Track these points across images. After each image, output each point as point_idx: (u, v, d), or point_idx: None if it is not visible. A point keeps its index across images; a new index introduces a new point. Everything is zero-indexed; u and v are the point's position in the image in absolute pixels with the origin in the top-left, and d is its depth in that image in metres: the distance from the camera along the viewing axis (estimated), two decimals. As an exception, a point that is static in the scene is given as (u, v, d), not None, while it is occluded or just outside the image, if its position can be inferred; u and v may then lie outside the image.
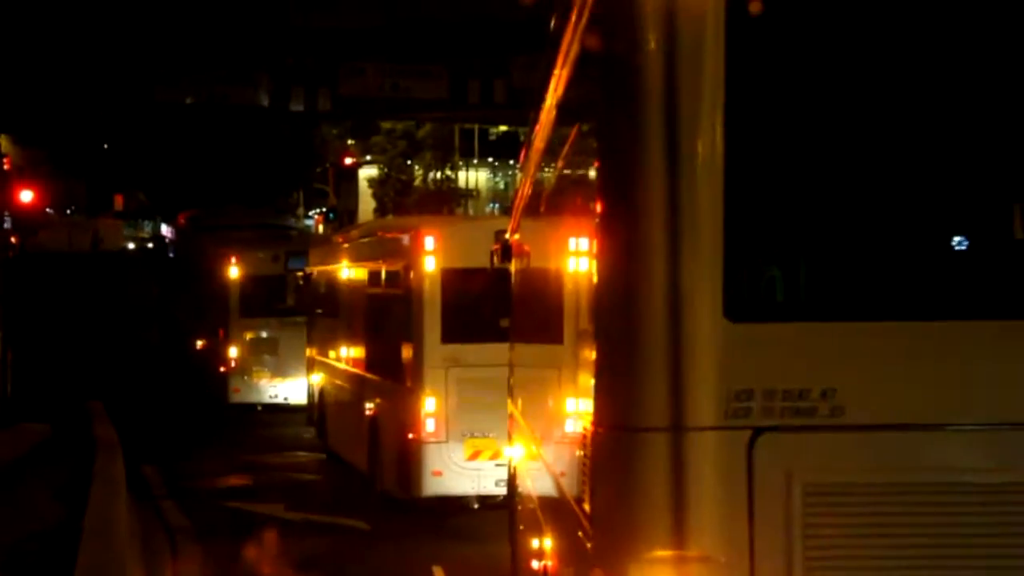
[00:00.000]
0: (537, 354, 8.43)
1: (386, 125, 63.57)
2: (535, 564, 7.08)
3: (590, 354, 4.43)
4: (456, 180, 64.77)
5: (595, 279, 4.26)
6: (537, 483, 7.42)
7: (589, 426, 4.38)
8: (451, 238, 14.88)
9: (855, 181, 3.89)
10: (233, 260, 28.27)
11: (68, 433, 20.08)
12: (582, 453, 4.76)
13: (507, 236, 10.95)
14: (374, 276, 17.27)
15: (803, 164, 3.93)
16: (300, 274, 24.40)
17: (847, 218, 3.91)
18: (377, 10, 46.34)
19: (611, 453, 4.11)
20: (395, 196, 64.84)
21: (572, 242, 5.70)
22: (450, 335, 14.55)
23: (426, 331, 14.59)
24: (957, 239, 3.97)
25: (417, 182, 65.66)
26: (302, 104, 50.31)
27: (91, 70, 46.00)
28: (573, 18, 4.91)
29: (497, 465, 13.30)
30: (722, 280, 3.91)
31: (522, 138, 55.51)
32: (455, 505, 14.87)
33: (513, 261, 10.38)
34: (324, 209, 66.93)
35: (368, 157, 66.81)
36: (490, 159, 65.91)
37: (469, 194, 64.41)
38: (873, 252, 3.88)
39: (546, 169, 7.27)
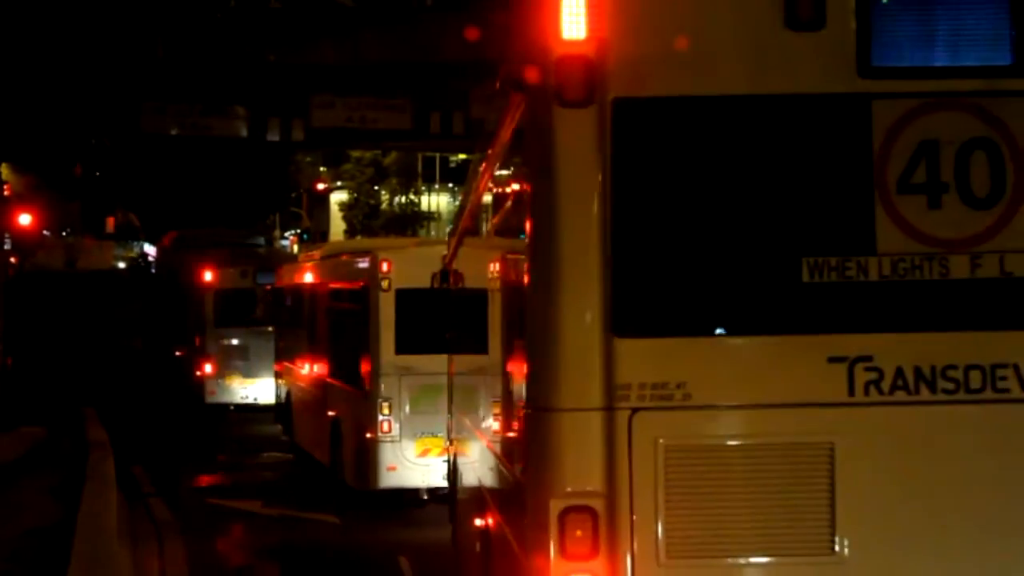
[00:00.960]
0: (468, 362, 10.00)
1: (355, 154, 63.97)
2: (478, 522, 8.22)
3: (519, 359, 5.67)
4: (420, 204, 64.80)
5: (528, 310, 5.35)
6: (475, 460, 8.96)
7: (522, 407, 5.46)
8: (403, 262, 15.38)
9: (691, 251, 5.13)
10: (207, 275, 29.08)
11: (63, 436, 19.61)
12: (517, 426, 5.92)
13: (444, 262, 12.07)
14: (336, 293, 17.76)
15: (659, 240, 5.13)
16: (269, 287, 24.91)
17: (686, 274, 5.14)
18: (346, 50, 46.05)
19: (536, 425, 5.21)
20: (364, 219, 65.14)
21: (492, 267, 7.59)
22: (403, 347, 15.09)
23: (382, 343, 15.20)
24: (757, 285, 5.17)
25: (384, 206, 65.93)
26: (278, 134, 49.85)
27: (84, 103, 45.35)
28: (507, 122, 6.33)
29: (444, 461, 13.69)
30: (611, 310, 5.05)
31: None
32: (407, 496, 15.35)
33: (450, 283, 11.51)
34: (299, 231, 67.05)
35: (339, 183, 67.20)
36: (450, 184, 65.79)
37: (431, 216, 64.55)
38: (704, 295, 5.14)
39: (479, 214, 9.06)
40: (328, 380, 17.83)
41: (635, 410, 5.03)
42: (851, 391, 5.04)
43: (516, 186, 6.55)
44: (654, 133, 5.09)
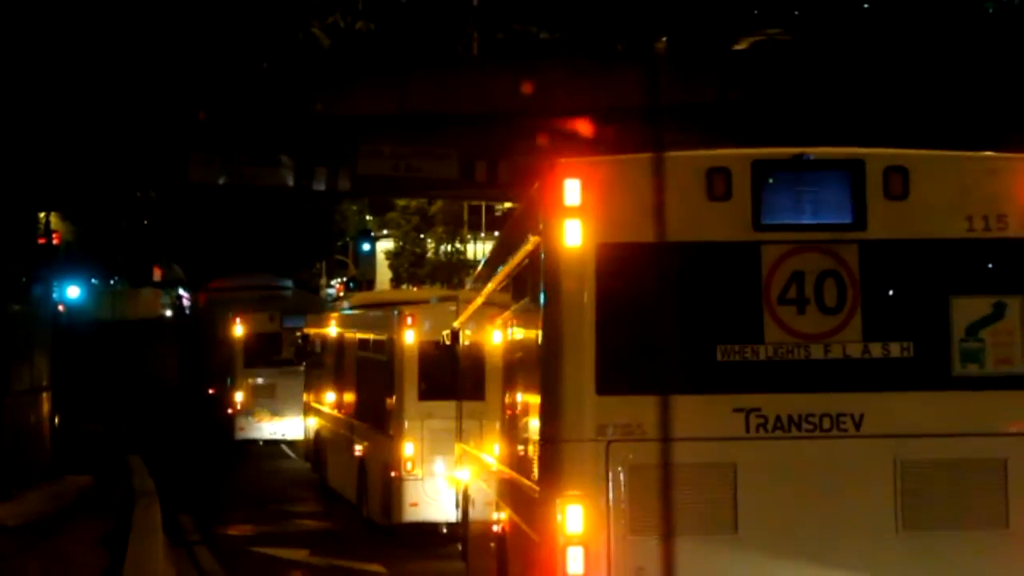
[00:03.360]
0: (469, 408, 13.49)
1: (401, 202, 64.54)
2: (495, 527, 10.71)
3: (533, 399, 8.40)
4: (465, 252, 65.19)
5: (543, 377, 8.00)
6: (488, 483, 11.77)
7: (536, 439, 8.20)
8: (426, 317, 17.32)
9: (644, 340, 7.31)
10: (237, 320, 32.02)
11: (109, 484, 20.06)
12: (532, 455, 8.53)
13: (455, 325, 14.92)
14: (364, 343, 19.83)
15: (624, 333, 7.69)
16: (299, 334, 26.99)
17: (642, 356, 7.42)
18: (393, 99, 46.53)
19: (547, 452, 7.93)
20: (409, 267, 65.49)
21: (495, 334, 11.19)
22: (425, 394, 17.04)
23: (406, 390, 17.12)
24: (688, 362, 7.73)
25: (429, 254, 66.43)
26: (324, 183, 50.40)
27: (131, 153, 46.18)
28: (522, 250, 9.03)
29: (452, 489, 15.67)
30: (595, 378, 7.72)
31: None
32: (427, 529, 17.06)
33: (459, 342, 14.69)
34: (345, 279, 67.49)
35: (384, 231, 67.67)
36: (496, 232, 66.24)
37: (476, 264, 64.77)
38: (653, 369, 7.14)
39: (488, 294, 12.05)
40: (355, 421, 19.83)
41: (611, 441, 7.67)
42: (747, 430, 7.71)
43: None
44: (622, 264, 7.70)
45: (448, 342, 14.95)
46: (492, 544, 10.98)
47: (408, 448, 16.94)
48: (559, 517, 7.60)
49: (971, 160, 8.15)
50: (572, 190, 7.72)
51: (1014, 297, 7.78)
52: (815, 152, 7.92)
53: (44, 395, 22.30)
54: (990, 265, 7.84)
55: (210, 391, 35.51)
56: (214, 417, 33.52)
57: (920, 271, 7.86)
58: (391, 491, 17.20)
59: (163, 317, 63.26)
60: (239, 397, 31.32)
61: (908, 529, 7.64)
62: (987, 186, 7.89)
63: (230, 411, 31.59)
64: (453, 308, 16.36)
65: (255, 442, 30.67)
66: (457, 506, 14.96)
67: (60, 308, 55.70)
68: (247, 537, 17.88)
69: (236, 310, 32.97)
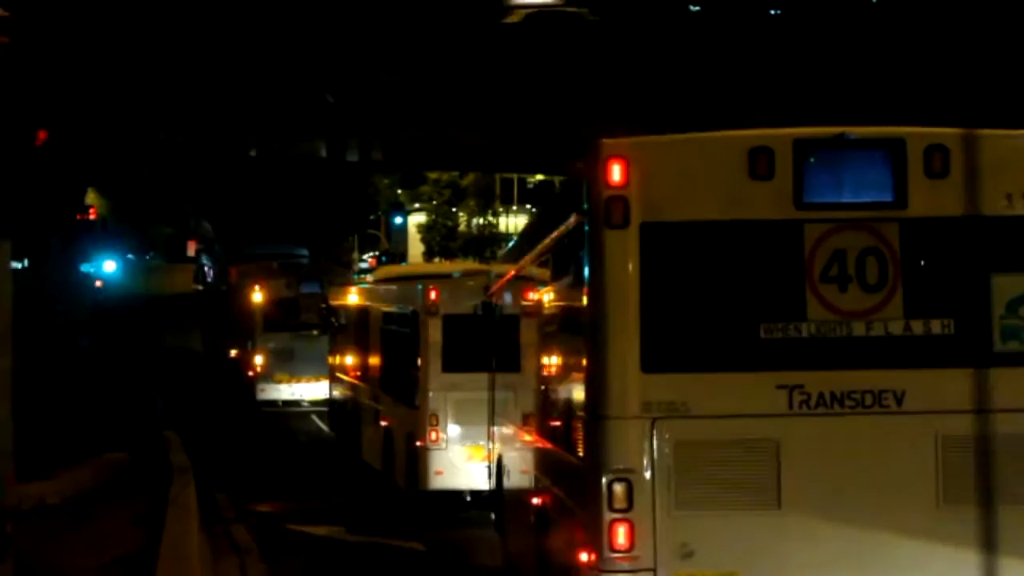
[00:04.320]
0: (502, 380, 13.90)
1: (433, 175, 64.65)
2: (534, 499, 11.11)
3: (578, 376, 8.68)
4: (497, 225, 65.27)
5: (589, 356, 8.20)
6: (527, 456, 11.97)
7: (582, 415, 8.45)
8: (450, 291, 18.00)
9: (689, 319, 8.01)
10: (256, 287, 34.06)
11: (146, 461, 20.24)
12: (577, 432, 8.76)
13: (487, 295, 15.52)
14: (389, 316, 20.51)
15: (670, 312, 7.99)
16: (323, 305, 27.94)
17: (687, 334, 8.00)
18: (420, 70, 46.49)
19: (593, 428, 8.12)
20: (441, 241, 65.70)
21: (533, 309, 11.55)
22: (449, 366, 17.64)
23: (431, 363, 17.78)
24: (732, 341, 8.02)
25: (462, 227, 66.67)
26: (357, 155, 50.49)
27: (164, 125, 46.44)
28: (564, 229, 9.41)
29: (487, 466, 16.17)
30: (640, 355, 7.93)
31: (557, 186, 55.72)
32: (452, 497, 17.81)
33: (492, 313, 15.05)
34: (377, 252, 67.72)
35: (417, 205, 67.90)
36: (528, 206, 66.22)
37: (509, 238, 64.87)
38: (698, 347, 7.99)
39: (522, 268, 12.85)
40: (381, 393, 20.61)
41: (655, 419, 7.90)
42: (790, 407, 7.93)
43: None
44: (666, 244, 7.99)
45: (481, 313, 15.43)
46: (531, 517, 11.24)
47: (433, 419, 17.65)
48: (605, 493, 7.84)
49: (1010, 138, 8.33)
50: (617, 170, 7.92)
51: None
52: (856, 131, 8.11)
53: (80, 371, 22.58)
54: None
55: (232, 355, 37.53)
56: (236, 380, 35.21)
57: (960, 249, 8.06)
58: (416, 460, 17.90)
59: (197, 292, 63.93)
60: (259, 360, 33.21)
61: (950, 504, 7.87)
62: None
63: (251, 374, 33.53)
64: (473, 283, 17.66)
65: (275, 403, 32.55)
66: (490, 476, 15.33)
67: (98, 283, 57.30)
68: (282, 514, 17.97)
69: (255, 277, 35.00)
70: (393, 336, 20.06)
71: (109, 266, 59.23)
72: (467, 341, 16.80)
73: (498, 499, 14.79)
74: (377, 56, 45.67)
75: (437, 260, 62.20)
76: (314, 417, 31.00)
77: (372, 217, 69.30)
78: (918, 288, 7.93)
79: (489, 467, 15.50)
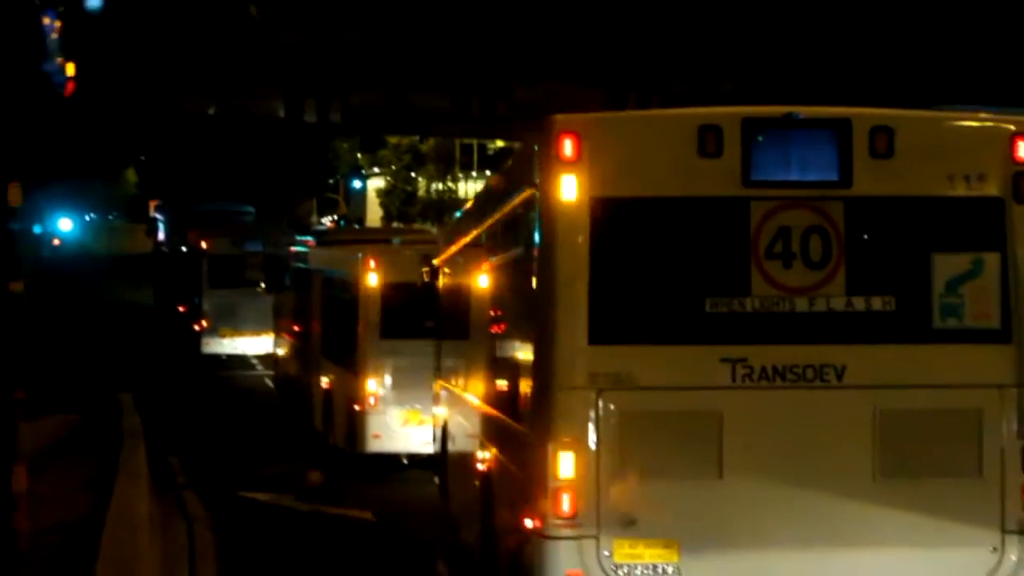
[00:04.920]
0: (451, 347, 14.15)
1: (392, 140, 64.73)
2: (479, 465, 11.30)
3: (526, 346, 8.91)
4: (456, 191, 65.38)
5: (538, 328, 8.42)
6: (472, 423, 12.23)
7: (530, 384, 8.66)
8: (388, 259, 18.92)
9: (636, 292, 8.27)
10: (202, 243, 36.12)
11: (98, 424, 20.27)
12: (524, 401, 8.99)
13: (434, 262, 15.79)
14: (331, 281, 21.47)
15: (618, 285, 8.24)
16: (270, 262, 30.46)
17: (634, 307, 8.27)
18: (384, 31, 46.25)
19: (540, 398, 8.38)
20: (400, 205, 65.78)
21: (479, 279, 11.81)
22: (387, 332, 18.49)
23: (369, 328, 18.62)
24: (678, 314, 8.28)
25: (421, 192, 66.70)
26: (315, 116, 50.24)
27: (128, 85, 46.35)
28: (516, 200, 9.45)
29: (422, 430, 17.46)
30: (587, 327, 8.16)
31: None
32: (390, 460, 18.64)
33: (438, 280, 15.55)
34: (336, 217, 67.76)
35: (376, 169, 67.99)
36: (488, 172, 66.26)
37: (467, 203, 64.95)
38: (645, 320, 8.28)
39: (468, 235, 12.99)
40: (323, 358, 21.45)
41: (601, 390, 8.16)
42: (733, 379, 8.21)
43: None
44: (615, 219, 8.25)
45: (427, 280, 15.93)
46: (476, 482, 11.53)
47: (371, 384, 18.51)
48: (551, 462, 8.12)
49: (954, 120, 8.64)
50: (568, 145, 8.15)
51: (992, 254, 8.29)
52: (804, 111, 8.40)
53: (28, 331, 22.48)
54: (970, 222, 8.34)
55: (180, 309, 39.49)
56: (183, 334, 37.34)
57: (903, 228, 8.36)
58: (355, 423, 18.73)
59: (153, 249, 64.16)
60: (204, 315, 35.19)
61: (886, 476, 8.20)
62: (968, 146, 8.40)
63: (197, 328, 35.59)
64: (411, 252, 18.66)
65: (219, 357, 34.76)
66: (435, 442, 15.71)
67: (56, 242, 58.01)
68: (233, 480, 18.13)
69: (201, 234, 37.09)
70: (334, 301, 20.86)
71: (64, 224, 59.47)
72: (406, 308, 17.69)
73: (442, 465, 15.15)
74: (338, 13, 45.36)
75: (395, 225, 62.43)
76: (260, 369, 32.71)
77: (331, 181, 69.34)
78: (861, 266, 8.21)
79: (434, 433, 15.88)
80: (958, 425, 8.21)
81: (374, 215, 68.83)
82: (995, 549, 8.13)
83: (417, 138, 63.81)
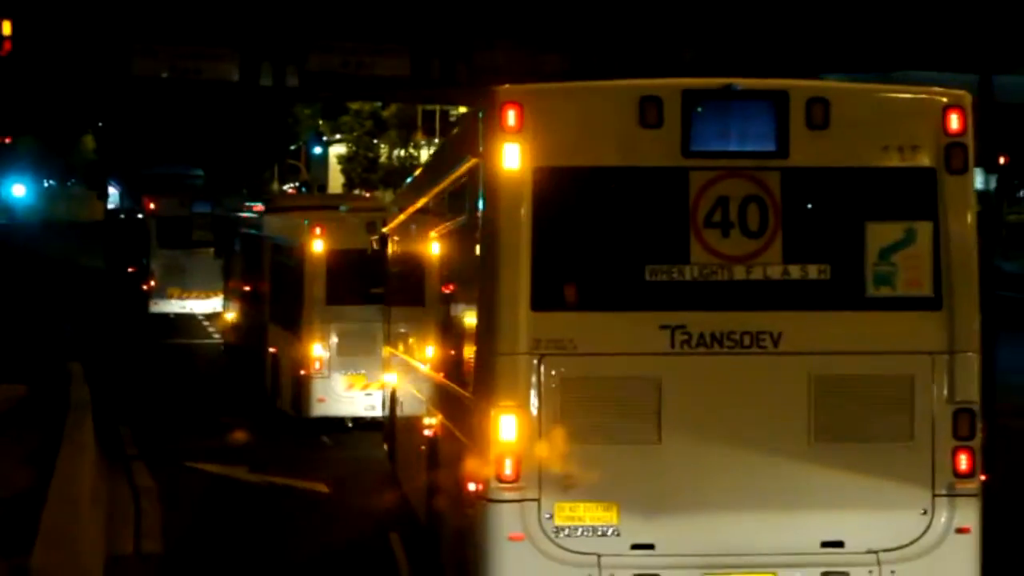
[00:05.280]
0: (399, 314, 14.66)
1: (354, 106, 65.28)
2: (426, 431, 11.91)
3: (470, 312, 9.36)
4: (419, 157, 65.77)
5: (481, 294, 8.82)
6: (419, 389, 12.88)
7: (474, 350, 9.04)
8: (333, 227, 19.88)
9: (578, 260, 8.71)
10: (151, 204, 38.72)
11: (45, 394, 20.22)
12: (468, 366, 9.41)
13: (384, 230, 16.41)
14: (278, 247, 22.59)
15: (560, 252, 8.67)
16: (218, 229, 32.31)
17: (575, 274, 8.67)
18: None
19: (483, 364, 8.80)
20: (362, 172, 66.11)
21: (427, 246, 12.32)
22: (332, 298, 19.55)
23: (315, 295, 19.69)
24: (618, 282, 8.70)
25: (383, 159, 67.10)
26: (271, 79, 50.18)
27: (77, 49, 46.35)
28: (461, 168, 9.91)
29: (366, 395, 19.06)
30: (530, 294, 8.57)
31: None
32: (334, 423, 19.72)
33: (387, 247, 16.09)
34: (298, 183, 68.03)
35: (337, 136, 68.30)
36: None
37: (430, 169, 65.22)
38: (586, 286, 8.67)
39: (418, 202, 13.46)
40: (269, 323, 22.54)
41: (543, 355, 8.57)
42: (672, 346, 8.62)
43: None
44: (558, 188, 8.65)
45: (376, 247, 16.58)
46: (423, 447, 12.09)
47: (316, 348, 19.62)
48: (493, 426, 8.56)
49: (888, 93, 9.12)
50: (512, 115, 8.55)
51: (924, 223, 8.73)
52: (742, 83, 8.83)
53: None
54: (903, 192, 8.80)
55: (129, 270, 41.92)
56: (132, 294, 39.68)
57: (838, 198, 8.84)
58: (300, 388, 19.83)
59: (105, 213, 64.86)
60: (153, 275, 37.29)
61: (820, 440, 8.66)
62: (902, 118, 8.84)
63: (145, 288, 37.73)
64: (357, 219, 19.60)
65: (167, 316, 36.99)
66: (384, 407, 16.42)
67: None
68: (185, 451, 18.40)
69: (150, 195, 39.69)
70: (281, 267, 21.92)
71: (18, 190, 60.41)
72: (351, 275, 18.82)
73: (391, 431, 15.75)
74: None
75: (357, 192, 62.72)
76: (210, 330, 34.25)
77: (293, 147, 69.58)
78: (797, 235, 8.64)
79: (383, 399, 16.52)
80: (891, 391, 8.67)
81: (336, 182, 69.19)
82: (925, 512, 8.61)
83: (379, 104, 64.16)
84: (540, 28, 43.75)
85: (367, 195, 47.68)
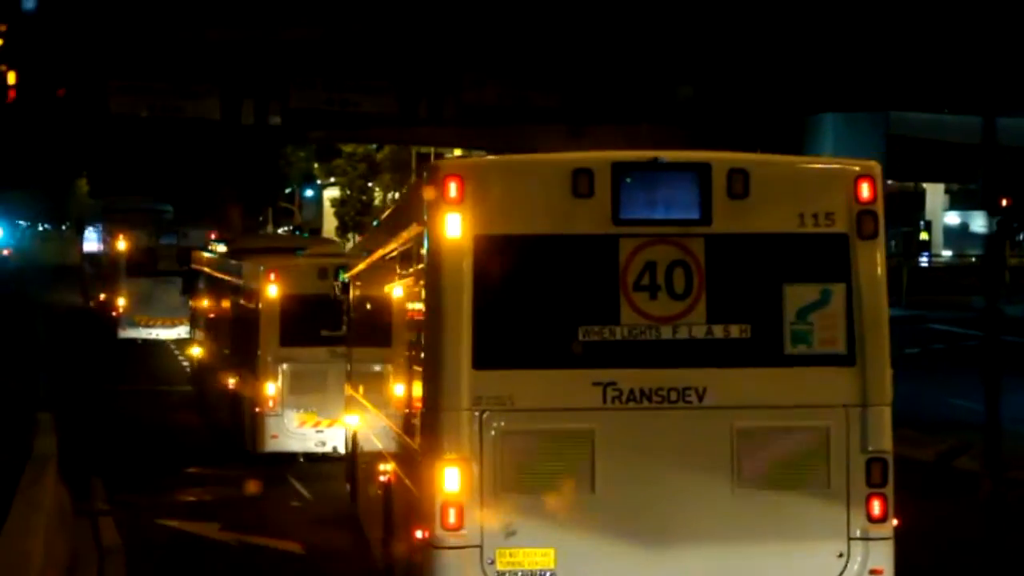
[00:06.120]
0: (371, 354, 15.82)
1: (347, 148, 67.56)
2: (381, 477, 13.48)
3: (417, 369, 10.74)
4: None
5: (426, 352, 10.20)
6: (376, 435, 14.56)
7: (419, 406, 10.45)
8: (287, 273, 22.56)
9: (515, 321, 10.06)
10: (120, 236, 44.77)
11: (6, 446, 19.75)
12: (415, 420, 10.82)
13: (345, 277, 18.84)
14: (236, 289, 25.59)
15: (498, 314, 9.99)
16: (185, 268, 36.02)
17: (513, 335, 10.05)
18: (321, 25, 47.50)
19: (429, 419, 10.13)
20: (355, 215, 67.95)
21: (382, 298, 14.10)
22: (286, 341, 22.25)
23: (269, 337, 22.41)
24: (553, 341, 10.05)
25: (376, 202, 68.91)
26: (252, 117, 51.67)
27: (55, 84, 48.90)
28: (408, 234, 11.53)
29: (317, 431, 21.82)
30: (471, 354, 9.90)
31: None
32: (286, 458, 22.15)
33: (350, 293, 18.34)
34: (291, 227, 70.12)
35: (332, 179, 70.42)
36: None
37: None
38: (523, 347, 10.05)
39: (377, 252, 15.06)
40: (229, 361, 25.56)
41: (484, 411, 9.91)
42: (604, 401, 9.98)
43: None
44: (497, 254, 10.00)
45: (339, 292, 18.86)
46: (379, 492, 13.65)
47: (269, 387, 22.18)
48: (438, 477, 9.90)
49: (804, 163, 10.71)
50: (453, 187, 9.92)
51: (838, 284, 10.16)
52: (668, 155, 10.28)
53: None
54: (818, 256, 10.21)
55: (101, 297, 47.89)
56: (102, 320, 45.60)
57: (758, 261, 10.25)
58: (255, 424, 22.45)
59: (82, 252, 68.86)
60: (121, 302, 42.87)
61: (743, 488, 10.02)
62: (817, 187, 10.28)
63: (114, 314, 43.52)
64: (307, 265, 22.49)
65: (134, 342, 42.07)
66: (347, 448, 18.63)
67: (5, 252, 66.43)
68: (156, 506, 18.96)
69: (120, 228, 45.54)
70: (240, 309, 24.86)
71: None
72: (304, 318, 21.82)
73: (352, 472, 17.70)
74: (280, 10, 46.79)
75: (351, 235, 64.55)
76: (179, 358, 37.92)
77: (287, 191, 71.74)
78: (720, 296, 10.03)
79: (346, 438, 18.59)
80: (808, 442, 10.05)
81: (330, 225, 71.24)
82: (841, 555, 9.99)
83: (373, 147, 66.22)
84: (530, 65, 45.13)
85: (333, 239, 50.87)
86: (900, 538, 10.11)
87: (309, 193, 74.54)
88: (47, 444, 18.67)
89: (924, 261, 64.49)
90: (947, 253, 78.31)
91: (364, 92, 47.00)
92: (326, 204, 76.67)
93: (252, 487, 20.17)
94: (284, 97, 49.33)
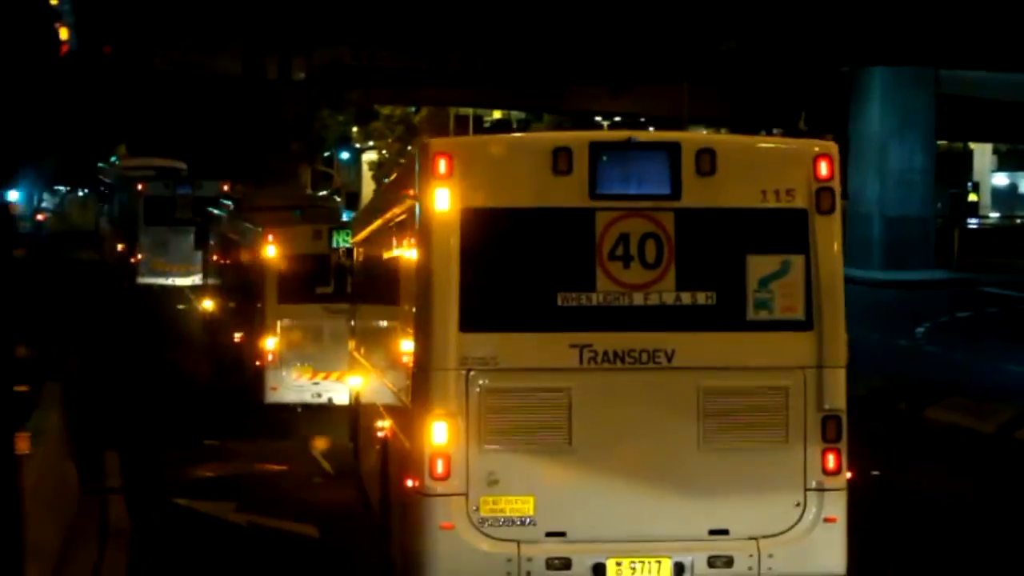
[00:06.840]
0: (382, 312, 17.51)
1: (385, 111, 69.56)
2: (379, 433, 15.18)
3: (409, 331, 12.39)
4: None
5: (417, 317, 11.88)
6: (377, 393, 16.36)
7: (411, 366, 12.15)
8: (285, 236, 25.60)
9: (499, 289, 11.68)
10: (139, 186, 49.83)
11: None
12: (408, 379, 12.47)
13: (351, 240, 21.56)
14: (241, 248, 29.59)
15: (483, 282, 11.58)
16: (199, 219, 40.35)
17: (497, 301, 11.67)
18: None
19: (419, 377, 11.79)
20: (393, 179, 70.01)
21: (381, 263, 15.92)
22: (284, 299, 25.34)
23: (268, 296, 25.51)
24: (534, 307, 11.70)
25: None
26: (276, 73, 53.36)
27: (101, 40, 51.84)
28: (403, 207, 13.21)
29: (313, 384, 25.18)
30: (458, 317, 11.53)
31: (514, 124, 60.26)
32: (285, 408, 25.22)
33: (354, 255, 20.73)
34: (330, 190, 72.93)
35: (370, 142, 72.81)
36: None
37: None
38: (506, 312, 11.68)
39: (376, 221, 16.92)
40: (236, 315, 29.48)
41: (470, 370, 11.49)
42: (581, 362, 11.54)
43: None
44: (482, 226, 11.53)
45: (343, 255, 21.51)
46: (377, 447, 15.43)
47: (270, 343, 25.40)
48: (428, 431, 11.54)
49: (767, 143, 12.37)
50: (443, 164, 11.52)
51: (798, 256, 11.78)
52: (641, 135, 12.04)
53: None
54: (779, 230, 11.78)
55: (119, 247, 54.33)
56: (121, 267, 52.07)
57: (723, 234, 11.83)
58: (256, 377, 25.73)
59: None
60: (139, 250, 48.67)
61: (708, 443, 11.64)
62: (778, 165, 11.90)
63: (132, 260, 49.83)
64: (304, 230, 25.54)
65: (150, 288, 47.63)
66: (351, 402, 20.88)
67: (40, 217, 72.23)
68: (172, 480, 19.37)
69: (138, 178, 51.55)
70: (243, 267, 28.67)
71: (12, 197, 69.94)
72: (301, 278, 24.88)
73: (355, 431, 19.93)
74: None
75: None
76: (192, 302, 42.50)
77: (325, 154, 74.27)
78: (688, 266, 11.59)
79: (350, 395, 21.10)
80: (768, 400, 11.66)
81: (368, 188, 73.74)
82: (799, 504, 11.67)
83: (411, 109, 68.25)
84: (568, 24, 46.32)
85: (336, 198, 54.13)
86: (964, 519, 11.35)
87: (345, 155, 77.08)
88: (48, 420, 17.76)
89: (973, 223, 65.75)
90: (995, 215, 79.62)
91: (390, 48, 48.54)
92: (364, 167, 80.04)
93: (272, 464, 20.65)
94: (308, 52, 50.88)
